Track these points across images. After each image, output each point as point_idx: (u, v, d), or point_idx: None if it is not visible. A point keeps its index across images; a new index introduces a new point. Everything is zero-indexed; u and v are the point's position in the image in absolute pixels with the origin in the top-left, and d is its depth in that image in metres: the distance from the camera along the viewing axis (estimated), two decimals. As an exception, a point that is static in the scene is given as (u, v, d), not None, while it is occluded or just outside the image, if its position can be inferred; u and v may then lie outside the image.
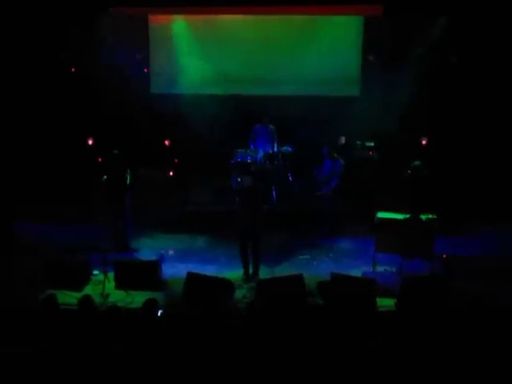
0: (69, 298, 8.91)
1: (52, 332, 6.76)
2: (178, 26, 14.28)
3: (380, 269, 10.10)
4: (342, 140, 13.03)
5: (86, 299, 7.25)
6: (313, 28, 13.95)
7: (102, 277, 9.52)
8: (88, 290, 9.39)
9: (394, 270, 10.03)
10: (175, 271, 10.00)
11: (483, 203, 11.77)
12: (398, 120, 12.77)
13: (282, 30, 13.98)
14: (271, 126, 12.91)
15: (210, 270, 9.83)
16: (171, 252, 10.96)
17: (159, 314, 7.23)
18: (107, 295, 9.27)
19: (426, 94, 12.71)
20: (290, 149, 13.09)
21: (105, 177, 10.67)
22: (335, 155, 11.40)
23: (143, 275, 9.58)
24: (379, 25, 13.20)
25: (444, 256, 10.13)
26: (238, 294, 9.30)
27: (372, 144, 13.08)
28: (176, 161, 13.16)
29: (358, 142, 13.11)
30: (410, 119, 12.73)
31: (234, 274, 9.84)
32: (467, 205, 11.74)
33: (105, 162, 11.47)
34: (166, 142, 13.45)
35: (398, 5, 12.20)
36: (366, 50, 13.96)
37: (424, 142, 12.94)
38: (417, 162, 10.29)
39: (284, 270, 10.00)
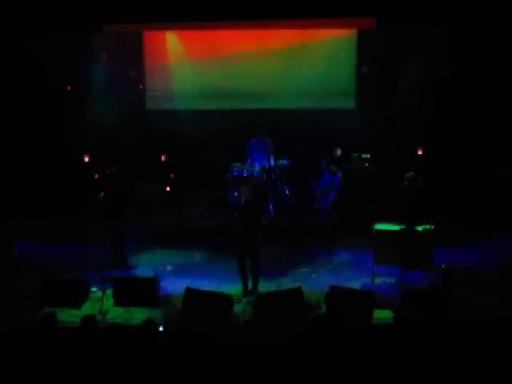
0: (67, 315, 8.86)
1: (51, 350, 6.73)
2: (173, 41, 14.36)
3: (379, 280, 10.08)
4: (338, 152, 13.03)
5: (89, 318, 7.23)
6: (307, 41, 14.02)
7: (100, 294, 9.48)
8: (86, 307, 9.36)
9: (393, 281, 10.03)
10: (173, 287, 9.95)
11: (481, 212, 11.78)
12: (394, 131, 12.83)
13: (276, 44, 14.05)
14: (268, 140, 12.93)
15: (208, 285, 9.81)
16: (169, 267, 10.95)
17: (160, 330, 7.22)
18: (106, 312, 9.24)
19: (421, 105, 12.75)
20: (286, 162, 13.11)
21: (102, 194, 10.67)
22: (333, 168, 11.41)
23: (141, 292, 9.54)
24: (373, 37, 13.28)
25: (443, 266, 10.12)
26: (237, 308, 9.27)
27: (368, 156, 13.10)
28: (172, 176, 13.14)
29: (354, 154, 13.12)
30: (405, 130, 12.76)
31: (233, 288, 9.81)
32: (465, 214, 11.74)
33: (102, 178, 11.47)
34: (162, 158, 13.45)
35: (390, 17, 12.28)
36: (360, 62, 14.03)
37: (420, 153, 12.96)
38: (410, 174, 10.33)
39: (283, 284, 9.98)
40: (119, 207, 10.68)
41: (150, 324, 7.02)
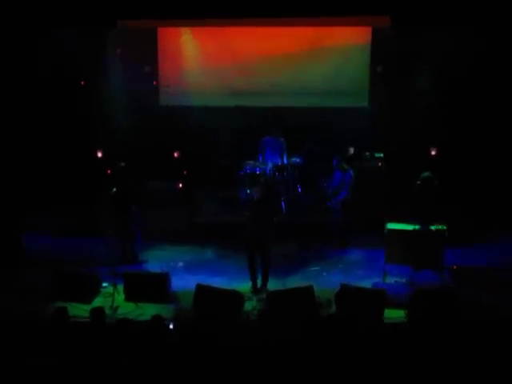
0: (78, 310, 8.90)
1: (62, 344, 6.76)
2: (187, 38, 14.35)
3: (390, 280, 10.05)
4: (351, 151, 12.99)
5: (98, 311, 7.27)
6: (321, 40, 13.98)
7: (111, 289, 9.53)
8: (98, 302, 9.40)
9: (404, 281, 9.99)
10: (184, 283, 9.97)
11: (493, 213, 11.71)
12: (407, 131, 12.77)
13: (290, 42, 14.00)
14: (281, 138, 12.92)
15: (218, 282, 9.81)
16: (180, 264, 10.97)
17: (170, 327, 7.24)
18: (117, 307, 9.27)
19: (435, 105, 12.69)
20: (298, 160, 13.09)
21: (114, 189, 10.70)
22: (345, 166, 11.39)
23: (152, 287, 9.58)
24: (387, 36, 13.21)
25: (454, 267, 10.09)
26: (248, 305, 9.28)
27: (381, 155, 13.05)
28: (185, 173, 13.16)
29: (367, 153, 13.08)
30: (418, 130, 12.70)
31: (243, 285, 9.81)
32: (477, 215, 11.67)
33: (113, 174, 11.51)
34: (175, 154, 13.47)
35: (405, 16, 12.20)
36: (374, 61, 13.97)
37: (433, 153, 12.89)
38: (426, 174, 10.26)
39: (294, 282, 9.97)
40: (125, 203, 10.70)
41: (158, 320, 7.05)
